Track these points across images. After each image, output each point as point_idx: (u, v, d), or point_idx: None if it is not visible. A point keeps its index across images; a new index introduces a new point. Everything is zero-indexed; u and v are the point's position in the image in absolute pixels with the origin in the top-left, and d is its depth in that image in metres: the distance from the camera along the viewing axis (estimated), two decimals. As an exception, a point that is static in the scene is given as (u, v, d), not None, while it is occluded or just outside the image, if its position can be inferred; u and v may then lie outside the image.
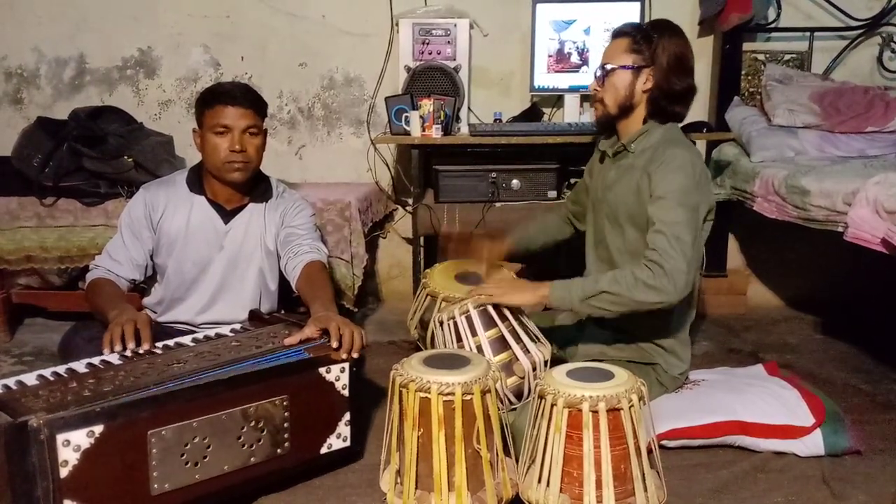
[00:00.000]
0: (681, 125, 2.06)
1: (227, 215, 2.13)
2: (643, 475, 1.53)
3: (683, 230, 1.84)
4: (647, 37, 1.97)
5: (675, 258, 1.80)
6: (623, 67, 1.98)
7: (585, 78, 2.98)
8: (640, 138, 2.01)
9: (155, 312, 2.19)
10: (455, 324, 1.91)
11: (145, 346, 1.77)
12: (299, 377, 1.70)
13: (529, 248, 2.30)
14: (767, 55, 3.17)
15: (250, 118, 2.05)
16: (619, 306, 1.84)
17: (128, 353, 1.75)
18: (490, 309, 1.92)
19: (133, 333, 1.77)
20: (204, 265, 2.12)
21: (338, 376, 1.76)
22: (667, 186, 1.88)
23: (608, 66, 2.00)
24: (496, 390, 1.62)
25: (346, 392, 1.78)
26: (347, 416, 1.80)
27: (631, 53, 1.98)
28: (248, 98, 2.06)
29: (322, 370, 1.74)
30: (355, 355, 1.77)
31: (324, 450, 1.78)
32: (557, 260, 2.71)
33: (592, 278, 1.91)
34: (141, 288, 2.26)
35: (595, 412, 1.49)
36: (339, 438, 1.80)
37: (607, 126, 2.10)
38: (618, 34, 2.03)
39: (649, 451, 1.59)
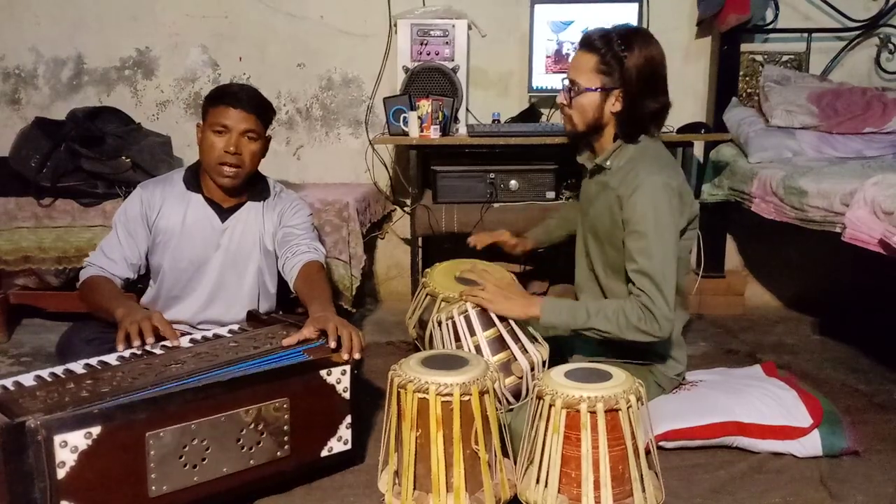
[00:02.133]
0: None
1: (224, 214, 2.13)
2: (641, 476, 1.53)
3: (668, 268, 1.82)
4: (616, 56, 1.85)
5: (663, 305, 1.80)
6: (590, 90, 1.89)
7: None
8: (614, 154, 1.95)
9: (153, 312, 2.19)
10: (453, 324, 1.91)
11: (174, 343, 1.79)
12: (300, 380, 1.69)
13: (550, 240, 2.32)
14: (765, 56, 3.17)
15: (251, 122, 2.04)
16: (607, 337, 1.86)
17: (146, 348, 1.76)
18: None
19: (151, 330, 1.79)
20: (200, 264, 2.12)
21: (339, 379, 1.75)
22: (641, 220, 1.83)
23: (576, 86, 1.91)
24: (494, 391, 1.62)
25: (347, 395, 1.77)
26: (349, 420, 1.79)
27: (599, 74, 1.87)
28: (253, 103, 2.06)
29: (323, 373, 1.73)
30: (357, 356, 1.76)
31: (324, 453, 1.77)
32: (557, 260, 2.70)
33: (584, 309, 1.87)
34: (138, 288, 2.26)
35: (593, 413, 1.49)
36: (339, 441, 1.79)
37: (578, 140, 2.05)
38: (587, 46, 1.90)
39: (647, 452, 1.59)
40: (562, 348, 2.20)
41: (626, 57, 1.85)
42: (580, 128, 1.96)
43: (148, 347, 1.78)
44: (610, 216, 1.94)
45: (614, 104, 1.90)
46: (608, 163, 1.96)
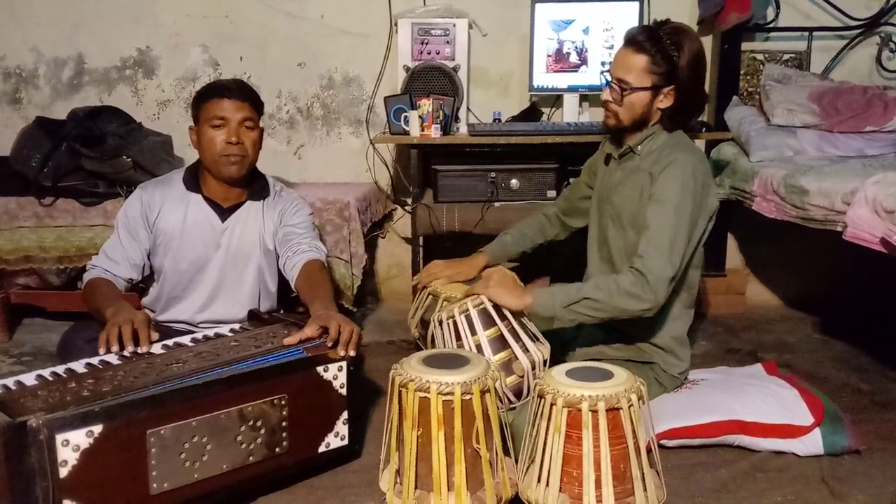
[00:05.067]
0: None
1: (225, 213, 2.13)
2: (642, 475, 1.53)
3: (676, 237, 1.86)
4: (668, 56, 1.90)
5: (660, 267, 1.83)
6: (643, 89, 1.93)
7: (584, 78, 2.98)
8: (646, 140, 2.01)
9: (153, 311, 2.19)
10: (454, 323, 1.91)
11: (144, 347, 1.76)
12: (297, 376, 1.70)
13: (507, 257, 2.29)
14: (766, 55, 3.17)
15: (246, 111, 2.06)
16: (601, 312, 1.86)
17: (126, 353, 1.74)
18: (489, 308, 1.92)
19: (131, 334, 1.76)
20: (201, 264, 2.12)
21: (335, 375, 1.76)
22: (666, 191, 1.88)
23: (626, 85, 1.94)
24: (495, 390, 1.62)
25: (343, 391, 1.78)
26: (345, 415, 1.80)
27: (651, 74, 1.92)
28: (244, 92, 2.08)
29: (320, 369, 1.74)
30: (352, 353, 1.77)
31: (322, 448, 1.78)
32: (553, 261, 2.70)
33: (576, 286, 1.91)
34: (140, 288, 2.26)
35: (594, 412, 1.49)
36: (337, 437, 1.79)
37: (619, 134, 2.07)
38: (637, 48, 1.93)
39: (648, 451, 1.59)
40: (563, 343, 2.20)
41: (677, 56, 1.90)
42: (626, 123, 2.00)
43: (139, 350, 1.76)
44: (639, 197, 1.97)
45: (663, 100, 1.95)
46: (639, 147, 2.01)
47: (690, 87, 1.94)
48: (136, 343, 1.76)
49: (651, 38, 1.93)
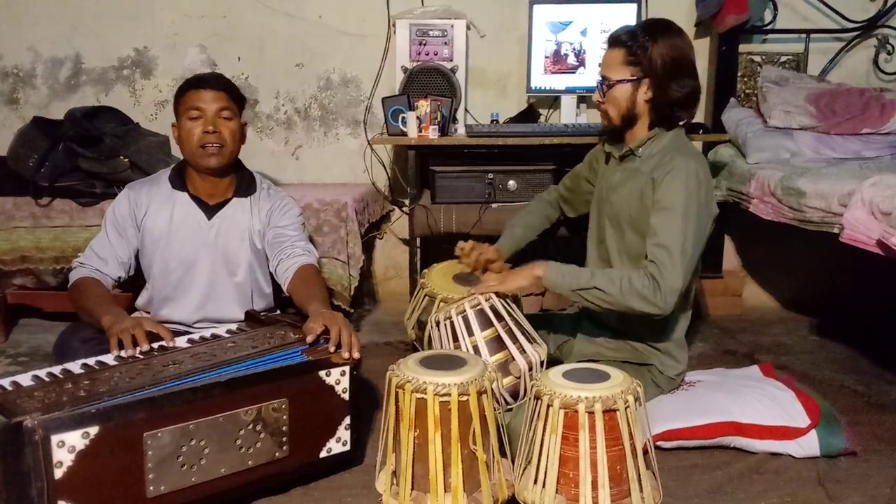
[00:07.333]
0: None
1: (211, 211, 2.11)
2: (639, 476, 1.53)
3: (688, 244, 1.86)
4: (642, 46, 1.93)
5: (674, 277, 1.84)
6: (621, 81, 1.96)
7: (582, 79, 2.99)
8: (647, 143, 2.01)
9: (148, 313, 2.18)
10: (451, 324, 1.91)
11: (170, 343, 1.80)
12: (299, 380, 1.69)
13: (518, 248, 2.30)
14: (764, 57, 3.18)
15: (223, 100, 2.05)
16: (608, 304, 1.88)
17: (138, 353, 1.75)
18: (486, 309, 1.92)
19: (144, 336, 1.78)
20: (190, 262, 2.10)
21: (338, 380, 1.75)
22: (672, 197, 1.88)
23: (608, 81, 1.99)
24: (492, 391, 1.62)
25: (346, 396, 1.77)
26: (348, 420, 1.78)
27: (628, 66, 1.95)
28: (221, 82, 2.08)
29: (322, 373, 1.72)
30: (356, 355, 1.76)
31: (323, 454, 1.77)
32: (549, 247, 2.70)
33: (588, 271, 1.93)
34: (135, 289, 2.25)
35: (591, 413, 1.49)
36: (339, 443, 1.78)
37: (616, 134, 2.09)
38: (614, 43, 1.99)
39: (645, 452, 1.59)
40: (562, 345, 2.20)
41: (650, 46, 1.92)
42: (616, 121, 2.02)
43: (146, 348, 1.77)
44: (639, 200, 1.97)
45: (646, 92, 1.96)
46: (640, 150, 2.01)
47: (667, 76, 1.93)
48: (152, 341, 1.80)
49: (628, 32, 1.98)
